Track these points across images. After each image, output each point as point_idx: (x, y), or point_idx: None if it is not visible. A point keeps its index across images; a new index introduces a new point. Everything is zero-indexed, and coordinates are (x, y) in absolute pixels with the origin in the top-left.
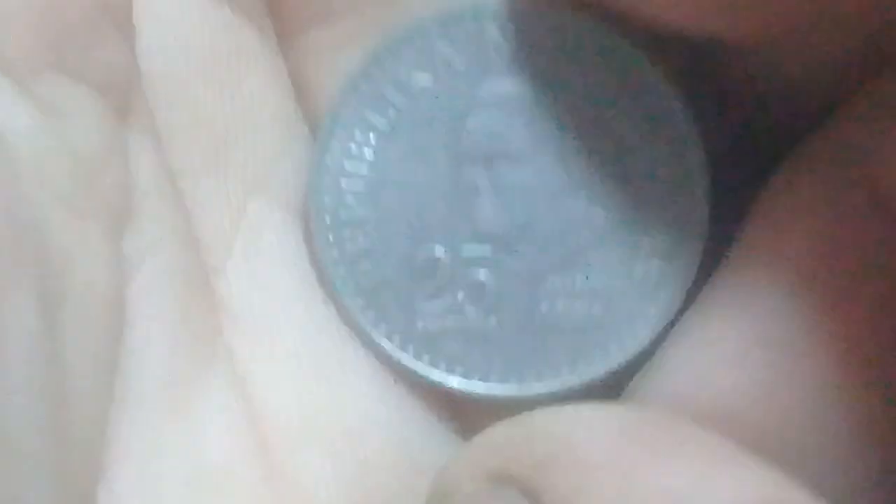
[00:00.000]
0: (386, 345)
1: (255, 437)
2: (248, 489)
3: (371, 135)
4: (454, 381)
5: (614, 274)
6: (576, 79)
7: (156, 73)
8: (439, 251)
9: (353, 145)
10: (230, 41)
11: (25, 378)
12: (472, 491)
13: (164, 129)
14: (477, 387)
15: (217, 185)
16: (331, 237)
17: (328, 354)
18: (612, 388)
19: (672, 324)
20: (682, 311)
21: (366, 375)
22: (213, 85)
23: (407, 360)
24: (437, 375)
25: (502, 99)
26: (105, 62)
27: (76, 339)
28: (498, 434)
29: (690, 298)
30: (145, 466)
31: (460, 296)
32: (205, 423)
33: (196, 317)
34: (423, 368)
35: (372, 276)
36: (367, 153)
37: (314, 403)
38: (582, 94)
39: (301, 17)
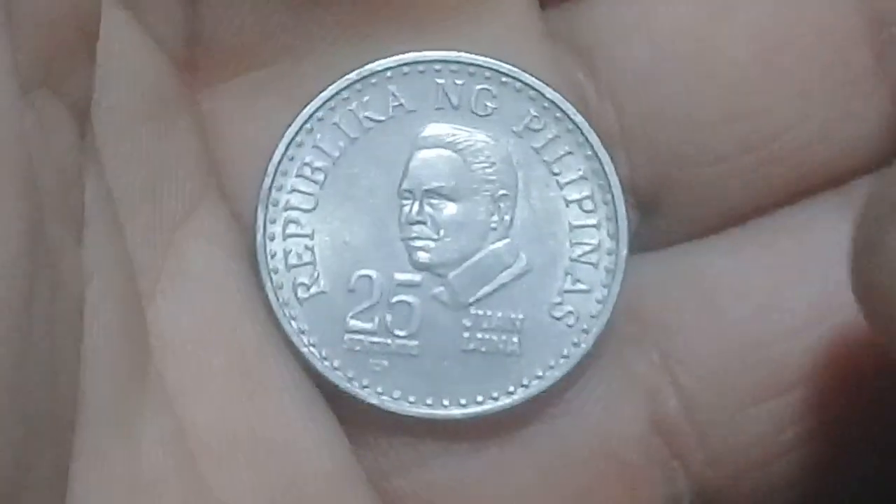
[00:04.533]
0: (312, 356)
1: (184, 453)
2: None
3: (323, 160)
4: (374, 398)
5: (534, 311)
6: (517, 130)
7: (106, 104)
8: (374, 274)
9: (306, 168)
10: (162, 84)
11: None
12: None
13: (108, 158)
14: (395, 405)
15: (149, 215)
16: (276, 249)
17: (252, 372)
18: (528, 414)
19: (587, 358)
20: (596, 348)
21: (290, 390)
22: (151, 123)
23: (330, 372)
24: (359, 390)
25: (444, 141)
26: (79, 84)
27: (64, 335)
28: None
29: (605, 339)
30: (96, 469)
31: (388, 318)
32: (141, 437)
33: (133, 337)
34: (345, 382)
35: (308, 289)
36: (318, 176)
37: (239, 419)
38: (519, 145)
39: (221, 67)
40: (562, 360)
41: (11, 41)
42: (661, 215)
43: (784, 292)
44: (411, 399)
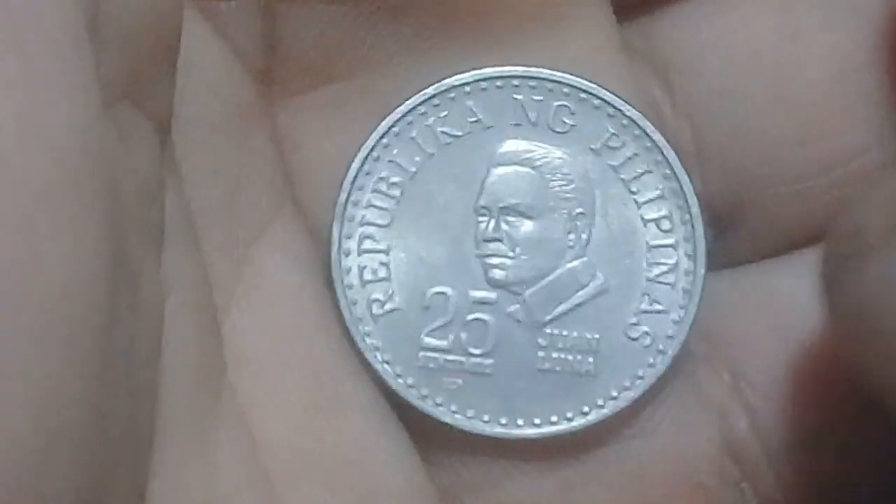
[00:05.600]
0: (386, 372)
1: (258, 468)
2: None
3: (399, 175)
4: (448, 416)
5: (609, 331)
6: (595, 148)
7: (185, 116)
8: (449, 291)
9: (382, 183)
10: (240, 97)
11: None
12: (887, 223)
13: (186, 171)
14: (469, 424)
15: (225, 229)
16: (350, 265)
17: (327, 388)
18: (601, 434)
19: (662, 379)
20: (671, 369)
21: (364, 407)
22: (229, 135)
23: (404, 390)
24: (432, 408)
25: (521, 158)
26: (161, 98)
27: (143, 353)
28: None
29: (680, 359)
30: (173, 486)
31: (463, 335)
32: (216, 453)
33: (208, 352)
34: (418, 400)
35: (383, 305)
36: (394, 191)
37: (312, 436)
38: (597, 163)
39: (299, 80)
40: (637, 381)
41: (96, 55)
42: (735, 234)
43: None
44: (485, 418)
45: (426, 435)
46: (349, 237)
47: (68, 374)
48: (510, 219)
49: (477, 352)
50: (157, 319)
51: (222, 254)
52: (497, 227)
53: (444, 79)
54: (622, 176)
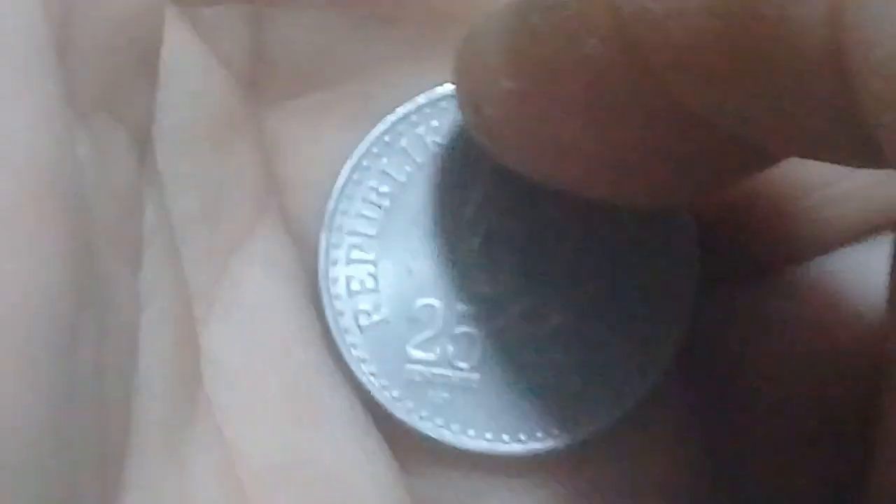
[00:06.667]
0: (371, 385)
1: (235, 482)
2: None
3: (388, 185)
4: (433, 430)
5: (594, 352)
6: None
7: (167, 124)
8: (436, 303)
9: (372, 192)
10: (225, 104)
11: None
12: None
13: (169, 181)
14: (454, 438)
15: (206, 239)
16: (338, 275)
17: (305, 401)
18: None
19: (645, 398)
20: (656, 389)
21: (344, 420)
22: (212, 143)
23: (389, 402)
24: (417, 422)
25: (506, 172)
26: (140, 108)
27: (115, 370)
28: None
29: (665, 379)
30: (146, 500)
31: (451, 348)
32: (192, 466)
33: (186, 364)
34: (403, 413)
35: (370, 316)
36: (384, 201)
37: (290, 448)
38: None
39: (286, 86)
40: (623, 401)
41: (68, 65)
42: None
43: None
44: (470, 433)
45: (410, 449)
46: (337, 247)
47: (29, 400)
48: (495, 232)
49: (464, 366)
50: (132, 335)
51: (202, 264)
52: (481, 240)
53: (435, 87)
54: None
